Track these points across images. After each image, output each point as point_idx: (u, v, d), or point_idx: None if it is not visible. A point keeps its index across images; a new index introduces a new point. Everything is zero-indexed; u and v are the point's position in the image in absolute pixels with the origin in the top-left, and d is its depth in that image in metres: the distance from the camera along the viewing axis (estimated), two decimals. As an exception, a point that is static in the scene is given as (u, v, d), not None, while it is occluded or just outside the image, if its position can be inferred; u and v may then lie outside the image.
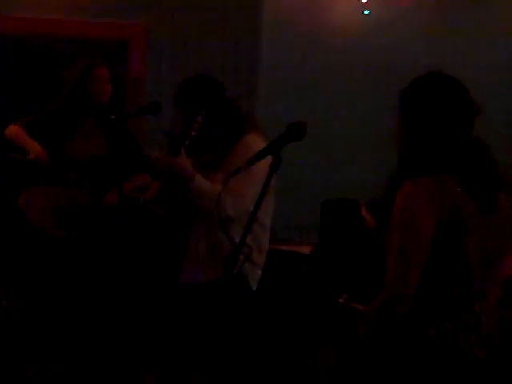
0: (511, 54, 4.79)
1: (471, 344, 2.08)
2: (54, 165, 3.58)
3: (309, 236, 4.30)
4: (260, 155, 2.07)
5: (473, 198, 2.08)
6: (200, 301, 2.91)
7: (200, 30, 4.53)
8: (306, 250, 4.15)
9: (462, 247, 2.05)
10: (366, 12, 4.61)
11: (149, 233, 3.35)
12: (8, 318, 4.06)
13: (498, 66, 4.75)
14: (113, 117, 3.30)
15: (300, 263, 4.04)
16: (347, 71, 4.55)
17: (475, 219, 2.09)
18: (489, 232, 2.13)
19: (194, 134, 2.86)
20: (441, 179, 2.06)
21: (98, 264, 3.53)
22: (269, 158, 2.08)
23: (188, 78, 3.03)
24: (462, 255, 2.06)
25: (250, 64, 4.55)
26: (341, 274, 3.59)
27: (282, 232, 4.37)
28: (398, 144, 2.18)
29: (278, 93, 4.59)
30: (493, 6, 4.74)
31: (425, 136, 2.11)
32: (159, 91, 4.15)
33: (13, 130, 3.65)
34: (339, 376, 2.13)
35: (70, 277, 3.56)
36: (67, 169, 3.61)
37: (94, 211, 3.53)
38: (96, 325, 3.56)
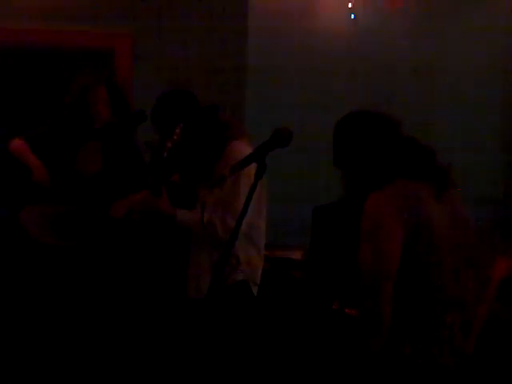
0: (496, 55, 4.79)
1: (444, 355, 2.09)
2: (58, 181, 3.57)
3: (300, 242, 4.28)
4: (244, 162, 2.05)
5: (427, 188, 2.17)
6: (206, 313, 2.88)
7: (186, 37, 4.51)
8: (297, 255, 4.13)
9: (431, 254, 2.08)
10: (353, 16, 4.61)
11: (148, 250, 3.32)
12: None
13: (484, 66, 4.76)
14: (97, 127, 3.27)
15: (291, 269, 4.02)
16: (334, 75, 4.54)
17: (437, 217, 2.15)
18: (455, 233, 2.16)
19: (170, 145, 2.83)
20: (397, 185, 2.15)
21: (101, 276, 3.50)
22: (254, 166, 2.06)
23: (158, 97, 2.99)
24: (433, 264, 2.08)
25: (237, 69, 4.52)
26: (332, 280, 3.57)
27: (273, 238, 4.35)
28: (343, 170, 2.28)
29: (265, 97, 4.57)
30: (479, 9, 4.74)
31: (363, 158, 2.21)
32: (146, 100, 4.12)
33: (17, 144, 3.65)
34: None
35: (72, 289, 3.54)
36: (71, 185, 3.58)
37: (96, 225, 3.50)
38: (96, 337, 3.54)
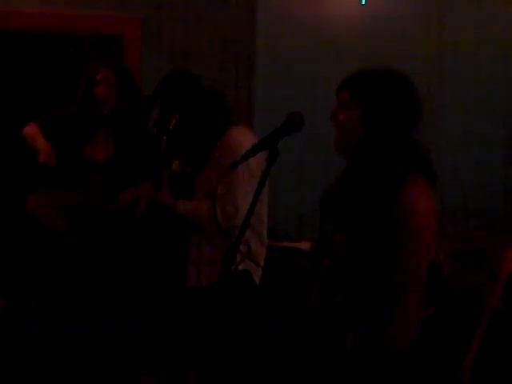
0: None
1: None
2: (69, 167, 3.55)
3: (309, 232, 4.26)
4: (256, 149, 2.01)
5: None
6: (207, 302, 2.87)
7: (197, 22, 4.47)
8: (305, 246, 4.11)
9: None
10: (363, 1, 4.57)
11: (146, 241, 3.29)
12: (5, 318, 4.03)
13: (496, 57, 4.70)
14: (106, 113, 3.24)
15: (299, 259, 4.00)
16: (345, 61, 4.50)
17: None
18: None
19: (165, 137, 2.81)
20: (420, 177, 2.03)
21: (104, 265, 3.49)
22: (258, 154, 2.03)
23: (164, 77, 2.96)
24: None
25: (248, 54, 4.49)
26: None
27: (282, 228, 4.34)
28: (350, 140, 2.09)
29: (276, 83, 4.54)
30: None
31: (391, 134, 2.04)
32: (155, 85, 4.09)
33: (30, 129, 3.64)
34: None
35: (75, 277, 3.53)
36: (84, 172, 3.56)
37: (103, 213, 3.48)
38: (98, 326, 3.52)
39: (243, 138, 2.81)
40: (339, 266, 2.07)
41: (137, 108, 3.32)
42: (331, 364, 2.09)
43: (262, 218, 2.97)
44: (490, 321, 3.03)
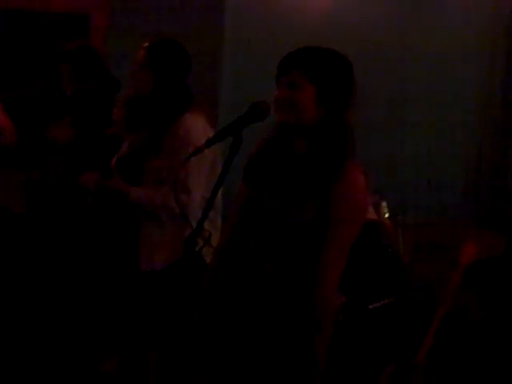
0: (484, 34, 4.77)
1: None
2: (30, 147, 3.50)
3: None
4: (220, 135, 2.00)
5: None
6: (162, 286, 2.86)
7: (161, 3, 4.42)
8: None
9: None
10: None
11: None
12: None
13: (472, 46, 4.73)
14: (67, 93, 3.21)
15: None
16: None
17: None
18: None
19: (115, 117, 2.80)
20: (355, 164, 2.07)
21: (57, 248, 3.45)
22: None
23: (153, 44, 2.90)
24: None
25: (214, 42, 4.45)
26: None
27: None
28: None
29: (245, 71, 4.51)
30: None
31: (343, 113, 2.06)
32: (121, 66, 4.04)
33: None
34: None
35: (31, 257, 3.49)
36: (44, 152, 3.52)
37: (62, 190, 3.44)
38: (54, 308, 3.50)
39: (195, 124, 2.80)
40: (266, 235, 2.09)
41: (100, 90, 3.28)
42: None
43: (216, 208, 2.96)
44: (446, 310, 3.09)
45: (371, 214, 3.53)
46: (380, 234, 3.57)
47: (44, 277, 3.48)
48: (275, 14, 4.54)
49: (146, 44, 2.89)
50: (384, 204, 3.75)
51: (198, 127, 2.81)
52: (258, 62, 4.43)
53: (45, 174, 3.49)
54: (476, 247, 3.18)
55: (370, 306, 3.22)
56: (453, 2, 4.74)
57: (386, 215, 3.74)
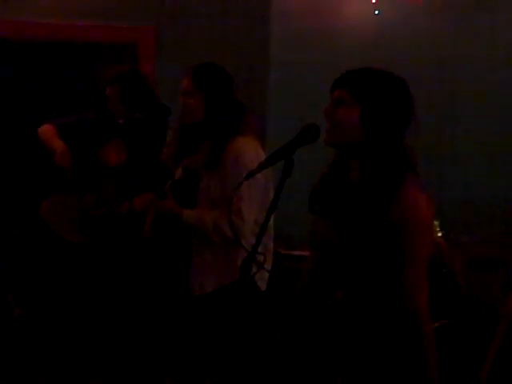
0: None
1: None
2: (83, 171, 3.56)
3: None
4: (272, 159, 2.01)
5: None
6: (214, 308, 2.87)
7: (209, 30, 4.49)
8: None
9: None
10: (377, 12, 4.57)
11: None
12: (20, 326, 4.04)
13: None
14: (120, 122, 3.26)
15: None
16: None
17: None
18: None
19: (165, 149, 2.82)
20: (417, 178, 2.04)
21: (114, 272, 3.49)
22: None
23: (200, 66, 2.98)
24: None
25: (261, 63, 4.50)
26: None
27: (297, 237, 4.32)
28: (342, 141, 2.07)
29: (288, 93, 4.53)
30: (498, 10, 4.66)
31: (389, 135, 2.03)
32: (169, 94, 4.10)
33: (46, 128, 3.64)
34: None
35: (87, 284, 3.53)
36: (97, 176, 3.58)
37: (114, 218, 3.48)
38: (109, 334, 3.53)
39: (247, 147, 2.83)
40: (336, 263, 2.08)
41: (151, 117, 3.33)
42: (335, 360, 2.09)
43: (269, 230, 2.96)
44: (506, 329, 3.02)
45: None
46: (435, 253, 3.52)
47: (99, 303, 3.52)
48: (318, 37, 4.57)
49: (188, 72, 2.95)
50: (436, 223, 3.70)
51: (250, 150, 2.84)
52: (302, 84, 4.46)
53: (97, 200, 3.54)
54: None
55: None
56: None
57: (439, 234, 3.69)
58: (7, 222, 4.42)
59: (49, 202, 3.60)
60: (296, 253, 4.08)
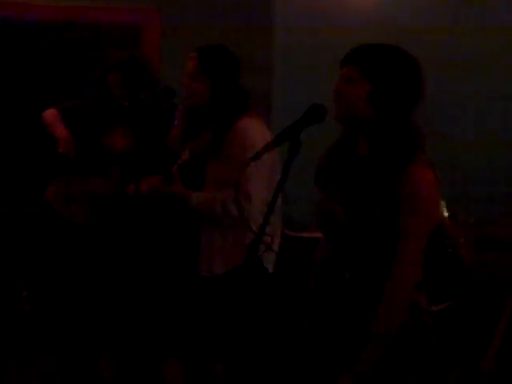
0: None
1: None
2: (88, 157, 3.56)
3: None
4: (278, 140, 2.01)
5: None
6: (222, 290, 2.87)
7: (214, 13, 4.46)
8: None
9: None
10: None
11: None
12: (28, 308, 4.06)
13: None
14: (125, 104, 3.25)
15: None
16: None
17: None
18: None
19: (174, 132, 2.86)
20: (429, 161, 2.03)
21: (120, 255, 3.50)
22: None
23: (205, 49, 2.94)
24: None
25: (264, 47, 4.48)
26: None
27: (300, 218, 4.32)
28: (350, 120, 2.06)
29: (293, 75, 4.51)
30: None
31: (398, 112, 2.02)
32: (174, 77, 4.09)
33: (49, 114, 3.64)
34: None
35: (92, 267, 3.54)
36: (102, 161, 3.58)
37: (122, 201, 3.48)
38: (116, 316, 3.54)
39: (253, 128, 2.82)
40: (340, 241, 2.08)
41: (156, 98, 3.31)
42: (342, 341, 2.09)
43: (276, 211, 2.95)
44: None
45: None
46: (441, 234, 3.51)
47: (106, 286, 3.53)
48: (323, 17, 4.54)
49: (194, 54, 2.92)
50: (443, 203, 3.69)
51: (255, 131, 2.83)
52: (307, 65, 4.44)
53: (108, 186, 3.54)
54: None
55: (435, 308, 3.17)
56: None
57: (446, 214, 3.67)
58: (15, 204, 4.44)
59: (54, 184, 3.61)
60: (305, 234, 4.08)
